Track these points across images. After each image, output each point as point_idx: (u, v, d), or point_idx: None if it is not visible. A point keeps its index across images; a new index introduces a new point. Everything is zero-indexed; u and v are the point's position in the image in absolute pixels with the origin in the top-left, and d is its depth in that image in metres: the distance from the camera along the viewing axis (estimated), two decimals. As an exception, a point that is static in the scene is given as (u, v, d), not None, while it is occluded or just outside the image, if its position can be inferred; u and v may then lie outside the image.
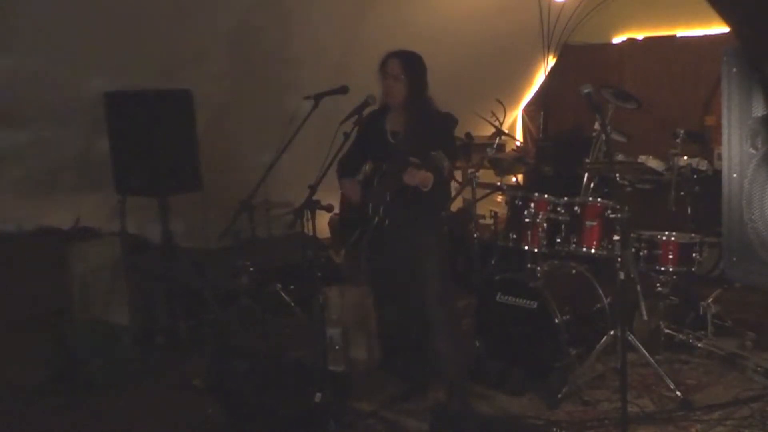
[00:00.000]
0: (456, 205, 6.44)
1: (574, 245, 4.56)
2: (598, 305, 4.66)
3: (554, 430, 3.90)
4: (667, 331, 4.73)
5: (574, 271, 4.78)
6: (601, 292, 4.68)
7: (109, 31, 4.98)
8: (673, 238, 4.65)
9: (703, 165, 5.19)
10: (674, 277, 4.69)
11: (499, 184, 5.97)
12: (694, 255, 4.62)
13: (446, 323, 4.09)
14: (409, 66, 4.00)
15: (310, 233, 3.85)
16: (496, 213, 6.51)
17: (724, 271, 4.13)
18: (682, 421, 3.94)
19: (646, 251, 4.65)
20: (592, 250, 4.52)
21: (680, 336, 4.76)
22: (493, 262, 5.56)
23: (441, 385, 4.25)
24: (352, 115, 3.92)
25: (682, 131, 5.26)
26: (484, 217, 6.57)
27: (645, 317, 4.62)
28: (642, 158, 5.29)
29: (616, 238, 4.04)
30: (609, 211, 4.40)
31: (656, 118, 7.03)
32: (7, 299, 4.72)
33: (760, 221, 3.72)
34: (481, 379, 4.46)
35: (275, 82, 6.06)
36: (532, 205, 4.58)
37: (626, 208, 3.77)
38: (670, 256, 4.63)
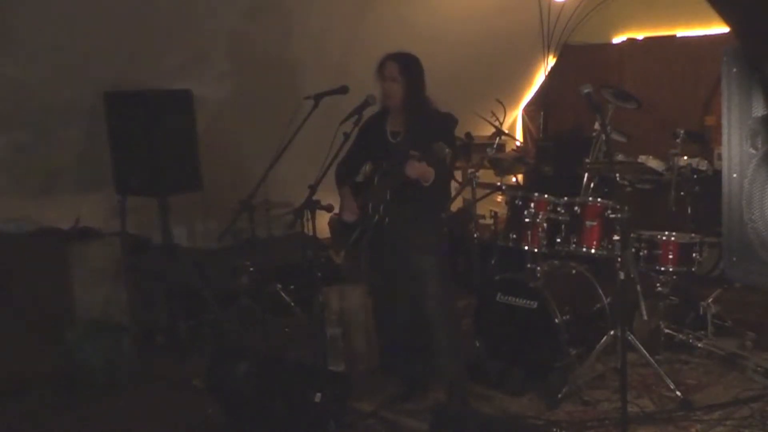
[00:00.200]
0: (456, 205, 6.44)
1: (574, 245, 4.56)
2: (598, 305, 4.66)
3: (554, 430, 3.90)
4: (667, 331, 4.73)
5: (574, 271, 4.78)
6: (601, 292, 4.68)
7: (109, 31, 4.98)
8: (673, 238, 4.65)
9: (703, 165, 5.19)
10: (674, 277, 4.69)
11: (499, 184, 5.97)
12: (694, 255, 4.62)
13: (446, 323, 4.09)
14: (406, 68, 4.01)
15: (310, 233, 3.85)
16: (496, 213, 6.51)
17: (724, 271, 4.13)
18: (682, 421, 3.94)
19: (646, 251, 4.65)
20: (592, 250, 4.52)
21: (680, 336, 4.76)
22: (493, 262, 5.56)
23: (441, 385, 4.26)
24: (352, 115, 3.93)
25: (682, 131, 5.26)
26: (484, 217, 6.56)
27: (645, 317, 4.63)
28: (642, 158, 5.29)
29: (616, 238, 4.05)
30: (609, 211, 4.40)
31: (656, 118, 7.03)
32: (7, 299, 4.72)
33: (760, 221, 3.72)
34: (481, 379, 4.46)
35: (275, 82, 6.06)
36: (532, 205, 4.58)
37: (626, 208, 3.77)
38: (670, 256, 4.62)
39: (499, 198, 6.74)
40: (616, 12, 7.48)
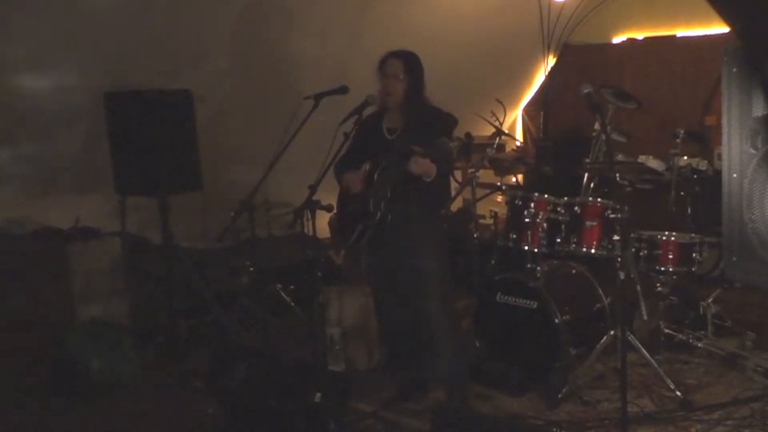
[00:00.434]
0: (456, 205, 6.44)
1: (574, 245, 4.56)
2: (598, 305, 4.66)
3: (554, 430, 3.90)
4: (667, 331, 4.73)
5: (574, 271, 4.78)
6: (601, 292, 4.68)
7: (109, 32, 4.98)
8: (673, 238, 4.65)
9: (703, 165, 5.20)
10: (674, 277, 4.69)
11: (499, 184, 5.97)
12: (694, 255, 4.61)
13: (446, 323, 4.09)
14: (409, 66, 4.01)
15: (310, 233, 3.85)
16: (496, 213, 6.51)
17: (724, 271, 4.13)
18: (682, 421, 3.94)
19: (646, 251, 4.64)
20: (592, 250, 4.52)
21: (680, 336, 4.76)
22: (493, 262, 5.56)
23: (441, 385, 4.26)
24: (352, 115, 3.93)
25: (682, 131, 5.27)
26: (484, 217, 6.56)
27: (645, 317, 4.62)
28: (642, 158, 5.30)
29: (616, 238, 4.05)
30: (609, 211, 4.40)
31: (656, 118, 7.04)
32: (8, 299, 4.72)
33: (760, 221, 3.72)
34: (481, 379, 4.46)
35: (275, 82, 6.06)
36: (532, 205, 4.58)
37: (626, 208, 3.77)
38: (670, 256, 4.62)
39: (499, 198, 6.74)
40: (616, 12, 7.48)
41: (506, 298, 4.61)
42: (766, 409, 3.99)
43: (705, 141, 6.29)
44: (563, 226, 4.56)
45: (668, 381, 4.18)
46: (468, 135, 6.46)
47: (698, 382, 4.41)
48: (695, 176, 5.19)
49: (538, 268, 4.59)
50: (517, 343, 4.56)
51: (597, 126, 5.81)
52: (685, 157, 5.22)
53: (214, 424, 4.03)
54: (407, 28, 6.16)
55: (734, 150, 3.82)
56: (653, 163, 5.23)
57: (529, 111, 8.46)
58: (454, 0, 6.68)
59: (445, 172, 4.01)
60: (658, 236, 4.67)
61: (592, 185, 5.57)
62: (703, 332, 4.78)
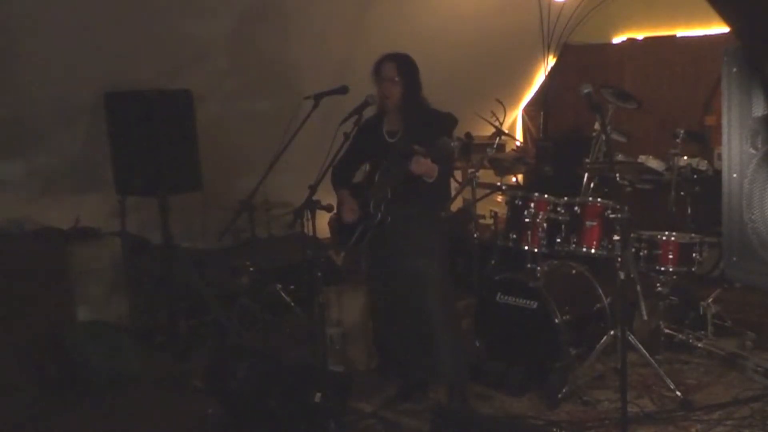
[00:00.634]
0: (456, 205, 6.44)
1: (574, 245, 4.56)
2: (598, 305, 4.66)
3: (554, 430, 3.90)
4: (667, 331, 4.73)
5: (574, 271, 4.78)
6: (601, 292, 4.68)
7: (109, 32, 4.98)
8: (673, 238, 4.65)
9: (703, 165, 5.20)
10: (674, 277, 4.69)
11: (499, 184, 5.97)
12: (694, 255, 4.61)
13: (446, 323, 4.09)
14: (403, 67, 4.02)
15: (310, 233, 3.85)
16: (496, 213, 6.51)
17: (724, 271, 4.13)
18: (682, 421, 3.94)
19: (646, 251, 4.64)
20: (592, 250, 4.52)
21: (680, 336, 4.76)
22: (493, 262, 5.56)
23: (441, 386, 4.26)
24: (352, 115, 3.93)
25: (682, 131, 5.27)
26: (484, 217, 6.56)
27: (645, 317, 4.63)
28: (642, 158, 5.30)
29: (616, 238, 4.05)
30: (609, 211, 4.40)
31: (656, 118, 7.04)
32: (8, 299, 4.72)
33: (760, 221, 3.71)
34: (481, 379, 4.46)
35: (275, 82, 6.06)
36: (532, 205, 4.58)
37: (626, 208, 3.77)
38: (670, 256, 4.62)
39: (499, 198, 6.73)
40: (616, 12, 7.48)
41: (506, 298, 4.61)
42: (766, 409, 3.99)
43: (705, 141, 6.29)
44: (563, 226, 4.57)
45: (668, 381, 4.18)
46: (468, 135, 6.47)
47: (698, 382, 4.41)
48: (695, 176, 5.19)
49: (538, 268, 4.59)
50: (517, 343, 4.57)
51: (597, 126, 5.81)
52: (685, 157, 5.22)
53: (214, 424, 4.04)
54: (407, 28, 6.16)
55: (734, 150, 3.82)
56: (653, 163, 5.24)
57: (529, 111, 8.46)
58: (454, 0, 6.68)
59: (445, 171, 4.02)
60: (658, 236, 4.67)
61: (592, 185, 5.57)
62: (703, 332, 4.78)
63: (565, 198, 4.63)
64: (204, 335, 5.27)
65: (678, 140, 5.24)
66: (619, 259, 3.75)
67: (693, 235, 4.72)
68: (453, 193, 5.88)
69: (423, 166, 3.80)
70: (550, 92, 8.09)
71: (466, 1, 6.75)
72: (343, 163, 4.09)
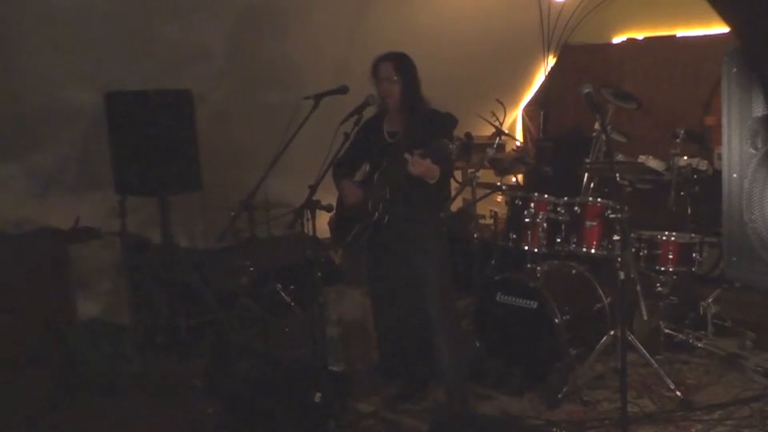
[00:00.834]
0: (456, 205, 6.44)
1: (574, 245, 4.56)
2: (598, 305, 4.66)
3: (554, 430, 3.90)
4: (667, 331, 4.74)
5: (574, 271, 4.78)
6: (601, 292, 4.68)
7: (109, 32, 4.98)
8: (673, 238, 4.66)
9: (703, 165, 5.18)
10: (674, 277, 4.69)
11: (499, 184, 5.97)
12: (694, 255, 4.62)
13: (446, 323, 4.09)
14: (400, 66, 4.02)
15: (310, 233, 3.85)
16: (496, 213, 6.50)
17: (724, 271, 4.13)
18: (682, 421, 3.94)
19: (646, 251, 4.65)
20: (592, 250, 4.52)
21: (680, 336, 4.76)
22: (493, 262, 5.56)
23: (441, 386, 4.26)
24: (352, 115, 3.93)
25: (682, 131, 5.26)
26: (484, 217, 6.56)
27: (645, 317, 4.62)
28: (642, 158, 5.29)
29: (616, 238, 4.05)
30: (609, 211, 4.40)
31: (656, 118, 7.03)
32: (8, 299, 4.72)
33: (760, 221, 3.71)
34: (481, 379, 4.46)
35: (275, 82, 6.06)
36: (532, 205, 4.58)
37: (626, 208, 3.77)
38: (670, 256, 4.63)
39: (499, 198, 6.73)
40: (616, 12, 7.47)
41: (506, 298, 4.61)
42: (766, 409, 4.00)
43: (705, 141, 6.28)
44: (563, 226, 4.57)
45: (668, 381, 4.19)
46: (468, 135, 6.45)
47: (698, 382, 4.41)
48: (695, 176, 5.18)
49: (538, 268, 4.59)
50: (517, 343, 4.57)
51: (597, 126, 5.80)
52: (685, 157, 5.21)
53: (214, 423, 4.03)
54: (407, 28, 6.15)
55: (734, 150, 3.82)
56: (653, 163, 5.23)
57: (529, 111, 8.45)
58: (453, 0, 6.68)
59: (445, 172, 4.01)
60: (658, 236, 4.67)
61: (592, 185, 5.57)
62: (703, 332, 4.78)
63: (565, 198, 4.63)
64: (204, 335, 5.27)
65: (678, 140, 5.24)
66: (619, 259, 3.75)
67: (693, 235, 4.72)
68: (453, 193, 5.90)
69: (421, 167, 3.79)
70: (550, 92, 8.09)
71: (465, 1, 6.75)
72: (345, 161, 4.09)
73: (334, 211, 4.15)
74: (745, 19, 1.63)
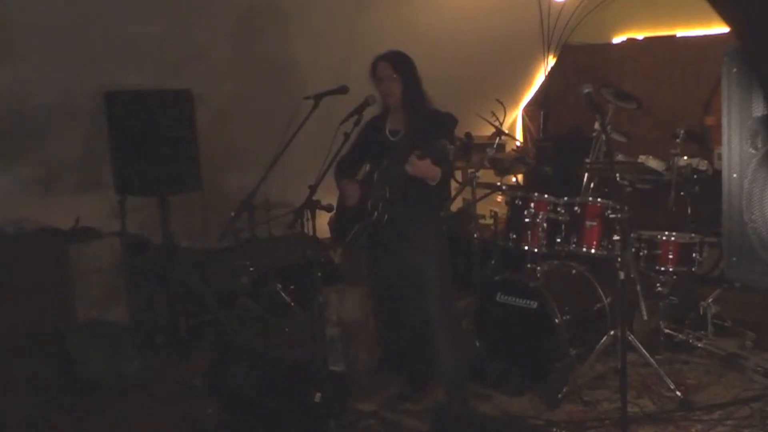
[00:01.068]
0: (456, 205, 6.44)
1: (574, 245, 4.56)
2: (598, 305, 4.66)
3: (554, 430, 3.90)
4: (667, 331, 4.73)
5: (574, 271, 4.78)
6: (601, 292, 4.68)
7: (109, 32, 4.98)
8: (673, 238, 4.65)
9: (703, 165, 5.18)
10: (674, 277, 4.69)
11: (499, 184, 5.97)
12: (694, 255, 4.62)
13: (446, 323, 4.09)
14: (398, 64, 4.03)
15: (310, 233, 3.85)
16: (496, 213, 6.51)
17: (724, 271, 4.13)
18: (682, 421, 3.94)
19: (646, 251, 4.65)
20: (592, 250, 4.52)
21: (680, 336, 4.76)
22: (493, 262, 5.56)
23: (441, 386, 4.26)
24: (352, 116, 3.93)
25: (682, 131, 5.26)
26: (484, 217, 6.56)
27: (645, 317, 4.62)
28: (642, 158, 5.29)
29: (616, 238, 4.05)
30: (609, 211, 4.40)
31: (656, 118, 7.04)
32: (7, 299, 4.72)
33: (760, 221, 3.71)
34: (481, 379, 4.46)
35: (275, 82, 6.06)
36: (532, 205, 4.58)
37: (626, 208, 3.77)
38: (670, 256, 4.63)
39: (499, 198, 6.73)
40: (616, 12, 7.48)
41: (506, 298, 4.61)
42: (766, 409, 4.00)
43: (705, 141, 6.28)
44: (563, 226, 4.57)
45: (668, 381, 4.19)
46: (468, 135, 6.45)
47: (698, 382, 4.41)
48: (695, 176, 5.18)
49: (538, 268, 4.59)
50: (517, 343, 4.56)
51: (597, 126, 5.80)
52: (685, 157, 5.21)
53: (214, 423, 4.03)
54: (407, 29, 6.16)
55: (734, 150, 3.82)
56: (653, 163, 5.23)
57: (529, 111, 8.46)
58: (453, 0, 6.68)
59: (445, 173, 4.01)
60: (658, 236, 4.67)
61: (592, 185, 5.57)
62: (703, 332, 4.78)
63: (565, 198, 4.63)
64: (204, 335, 5.27)
65: (678, 140, 5.24)
66: (619, 259, 3.75)
67: (693, 235, 4.72)
68: (453, 193, 5.90)
69: (420, 168, 3.79)
70: (550, 92, 8.09)
71: (465, 1, 6.75)
72: (347, 160, 4.10)
73: (334, 211, 4.16)
74: (745, 19, 1.63)
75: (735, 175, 3.82)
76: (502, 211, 5.88)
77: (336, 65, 6.09)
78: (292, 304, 5.64)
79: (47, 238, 5.16)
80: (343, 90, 3.99)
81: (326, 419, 3.65)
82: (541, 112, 8.21)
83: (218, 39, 5.65)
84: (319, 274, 3.77)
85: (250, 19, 5.68)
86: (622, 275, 3.50)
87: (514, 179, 6.88)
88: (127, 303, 5.34)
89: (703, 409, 4.05)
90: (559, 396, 4.20)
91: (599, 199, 4.62)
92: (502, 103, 6.50)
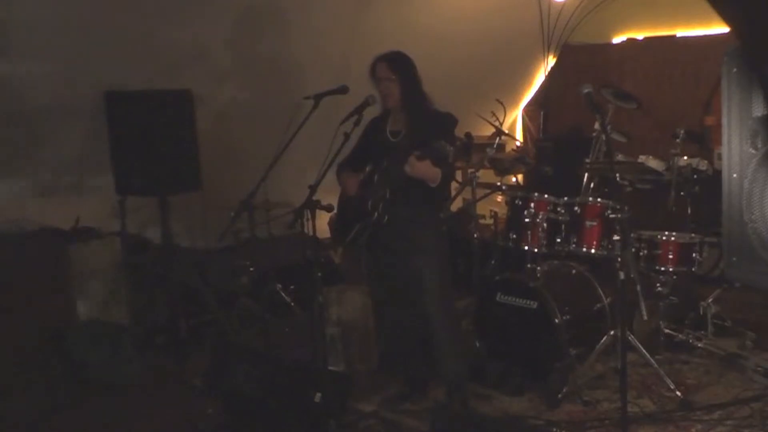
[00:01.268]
0: (456, 205, 6.44)
1: (574, 245, 4.56)
2: (598, 305, 4.66)
3: (554, 430, 3.90)
4: (667, 331, 4.73)
5: (574, 271, 4.78)
6: (601, 292, 4.68)
7: (108, 32, 4.98)
8: (673, 238, 4.65)
9: (703, 165, 5.19)
10: (674, 277, 4.69)
11: (499, 184, 5.97)
12: (694, 255, 4.62)
13: (446, 323, 4.09)
14: (396, 64, 4.02)
15: (310, 233, 3.85)
16: (496, 213, 6.50)
17: (724, 271, 4.13)
18: (682, 421, 3.94)
19: (646, 251, 4.65)
20: (592, 250, 4.52)
21: (680, 336, 4.76)
22: (493, 262, 5.56)
23: (441, 386, 4.26)
24: (352, 116, 3.93)
25: (682, 131, 5.27)
26: (484, 217, 6.56)
27: (645, 317, 4.62)
28: (642, 158, 5.29)
29: (616, 238, 4.05)
30: (609, 211, 4.40)
31: (656, 118, 7.04)
32: (8, 299, 4.72)
33: (760, 221, 3.72)
34: (481, 379, 4.46)
35: (275, 82, 6.06)
36: (532, 205, 4.58)
37: (626, 208, 3.77)
38: (670, 256, 4.62)
39: (499, 198, 6.73)
40: (616, 12, 7.48)
41: (506, 298, 4.61)
42: (766, 409, 4.00)
43: (705, 141, 6.28)
44: (563, 226, 4.57)
45: (668, 381, 4.19)
46: (468, 135, 6.44)
47: (698, 382, 4.41)
48: (695, 176, 5.18)
49: (538, 268, 4.59)
50: (517, 343, 4.56)
51: (597, 126, 5.80)
52: (685, 157, 5.21)
53: (214, 424, 4.03)
54: (407, 29, 6.16)
55: (734, 150, 3.83)
56: (653, 163, 5.23)
57: (529, 111, 8.46)
58: (453, 0, 6.68)
59: (445, 175, 4.01)
60: (658, 236, 4.67)
61: (592, 185, 5.57)
62: (703, 332, 4.78)
63: (565, 198, 4.63)
64: (204, 335, 5.27)
65: (678, 140, 5.24)
66: (619, 259, 3.75)
67: (693, 235, 4.72)
68: (453, 193, 5.90)
69: (419, 169, 3.79)
70: (550, 92, 8.09)
71: (466, 2, 6.75)
72: (349, 161, 4.10)
73: (334, 211, 4.15)
74: (745, 19, 1.63)
75: (735, 175, 3.83)
76: (502, 211, 5.88)
77: (336, 65, 6.09)
78: (292, 304, 5.63)
79: (47, 238, 5.16)
80: (343, 90, 3.99)
81: (326, 419, 3.65)
82: (541, 112, 8.22)
83: (218, 39, 5.65)
84: (319, 274, 3.77)
85: (250, 19, 5.68)
86: (622, 275, 3.49)
87: (514, 179, 6.88)
88: (127, 303, 5.34)
89: (703, 409, 4.05)
90: (559, 396, 4.20)
91: (599, 199, 4.62)
92: (502, 103, 6.50)
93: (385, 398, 4.35)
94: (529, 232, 4.56)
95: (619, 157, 5.52)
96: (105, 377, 4.65)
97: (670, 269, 4.63)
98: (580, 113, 7.20)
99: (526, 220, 4.55)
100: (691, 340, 4.73)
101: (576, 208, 4.56)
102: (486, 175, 6.37)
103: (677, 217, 5.17)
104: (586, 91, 3.64)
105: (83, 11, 4.80)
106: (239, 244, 5.73)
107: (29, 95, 5.00)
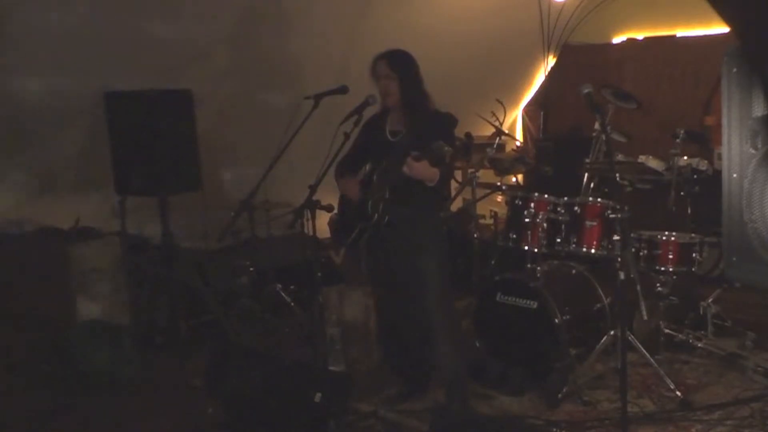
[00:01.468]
0: (456, 205, 6.44)
1: (574, 245, 4.56)
2: (598, 305, 4.66)
3: (554, 430, 3.90)
4: (667, 331, 4.73)
5: (574, 271, 4.78)
6: (601, 292, 4.68)
7: (108, 32, 4.98)
8: (673, 238, 4.65)
9: (703, 165, 5.19)
10: (674, 277, 4.69)
11: (499, 184, 5.97)
12: (694, 255, 4.61)
13: (446, 323, 4.08)
14: (396, 63, 4.01)
15: (310, 233, 3.85)
16: (496, 213, 6.51)
17: (724, 271, 4.13)
18: (682, 421, 3.94)
19: (646, 251, 4.64)
20: (592, 250, 4.52)
21: (680, 336, 4.76)
22: (493, 262, 5.56)
23: (441, 385, 4.26)
24: (352, 115, 3.93)
25: (682, 131, 5.26)
26: (484, 217, 6.56)
27: (645, 317, 4.62)
28: (642, 158, 5.29)
29: (616, 238, 4.04)
30: (609, 211, 4.40)
31: (656, 118, 7.04)
32: (8, 299, 4.72)
33: (760, 221, 3.72)
34: (481, 379, 4.46)
35: (275, 83, 6.06)
36: (532, 205, 4.58)
37: (626, 208, 3.77)
38: (670, 256, 4.62)
39: (499, 198, 6.74)
40: (616, 12, 7.48)
41: (506, 298, 4.61)
42: (766, 409, 4.00)
43: (705, 141, 6.28)
44: (563, 226, 4.57)
45: (668, 381, 4.19)
46: (468, 135, 6.45)
47: (698, 382, 4.41)
48: (695, 176, 5.18)
49: (538, 268, 4.58)
50: (517, 343, 4.56)
51: (597, 126, 5.81)
52: (685, 157, 5.21)
53: (214, 424, 4.03)
54: (407, 29, 6.15)
55: (734, 150, 3.82)
56: (653, 163, 5.23)
57: (529, 111, 8.46)
58: (454, 0, 6.68)
59: (444, 175, 4.00)
60: (658, 236, 4.67)
61: (592, 185, 5.57)
62: (703, 332, 4.78)
63: (565, 198, 4.62)
64: (204, 335, 5.27)
65: (678, 140, 5.24)
66: (619, 259, 3.75)
67: (693, 235, 4.72)
68: (453, 193, 5.90)
69: (417, 169, 3.78)
70: (550, 92, 8.09)
71: (466, 2, 6.75)
72: (348, 160, 4.09)
73: (334, 211, 4.15)
74: (745, 19, 1.63)
75: (735, 175, 3.83)
76: (502, 211, 5.88)
77: (336, 65, 6.09)
78: (292, 304, 5.64)
79: (47, 238, 5.17)
80: (343, 90, 3.99)
81: (326, 419, 3.65)
82: (541, 112, 8.22)
83: (218, 39, 5.65)
84: (319, 274, 3.77)
85: (250, 19, 5.68)
86: (622, 275, 3.49)
87: (514, 179, 6.89)
88: (127, 303, 5.34)
89: (703, 409, 4.05)
90: (559, 396, 4.20)
91: (599, 199, 4.62)
92: (502, 103, 6.51)
93: (385, 398, 4.35)
94: (529, 232, 4.56)
95: (619, 157, 5.52)
96: (105, 377, 4.64)
97: (670, 269, 4.63)
98: (580, 113, 7.22)
99: (526, 220, 4.55)
100: (691, 340, 4.72)
101: (576, 208, 4.56)
102: (486, 175, 6.38)
103: (677, 217, 5.17)
104: (586, 91, 3.64)
105: (83, 11, 4.80)
106: (239, 244, 5.73)
107: (29, 95, 5.00)
